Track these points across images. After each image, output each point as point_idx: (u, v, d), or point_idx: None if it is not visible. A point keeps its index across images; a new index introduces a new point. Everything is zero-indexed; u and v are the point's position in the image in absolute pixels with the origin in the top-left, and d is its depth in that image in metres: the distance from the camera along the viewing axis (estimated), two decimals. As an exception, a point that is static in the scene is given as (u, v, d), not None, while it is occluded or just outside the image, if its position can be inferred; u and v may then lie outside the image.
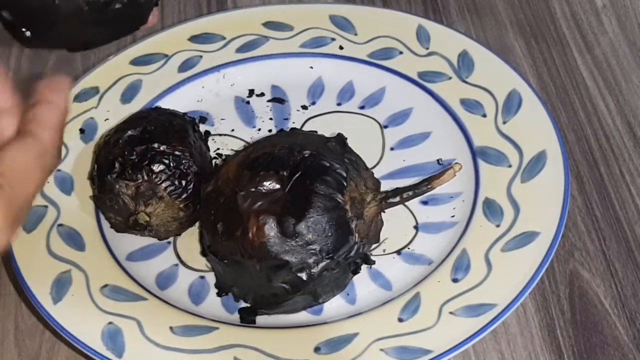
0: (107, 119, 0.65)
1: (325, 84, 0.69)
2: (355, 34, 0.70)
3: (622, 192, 0.64)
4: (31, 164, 0.46)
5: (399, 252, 0.59)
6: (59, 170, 0.62)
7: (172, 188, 0.57)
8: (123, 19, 0.47)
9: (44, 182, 0.47)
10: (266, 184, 0.53)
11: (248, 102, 0.68)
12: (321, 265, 0.53)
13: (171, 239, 0.61)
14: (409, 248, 0.59)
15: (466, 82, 0.67)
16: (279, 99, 0.68)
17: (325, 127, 0.64)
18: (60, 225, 0.59)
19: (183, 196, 0.58)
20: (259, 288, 0.54)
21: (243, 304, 0.57)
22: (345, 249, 0.53)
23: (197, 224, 0.60)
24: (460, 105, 0.66)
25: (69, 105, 0.49)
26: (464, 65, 0.68)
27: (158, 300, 0.56)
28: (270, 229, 0.52)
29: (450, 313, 0.54)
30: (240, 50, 0.70)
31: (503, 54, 0.70)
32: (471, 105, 0.65)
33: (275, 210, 0.52)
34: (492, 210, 0.59)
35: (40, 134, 0.47)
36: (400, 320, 0.54)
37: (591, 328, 0.57)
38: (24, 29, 0.46)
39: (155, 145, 0.58)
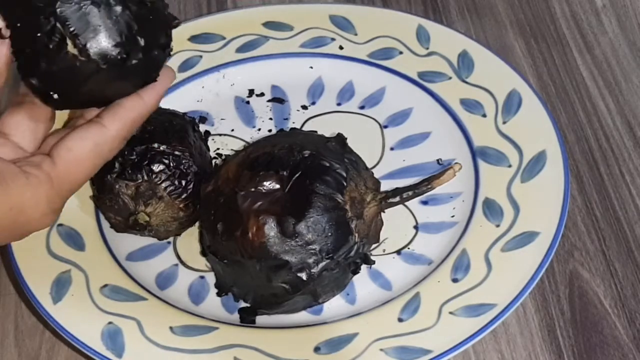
0: (107, 119, 0.65)
1: (325, 84, 0.69)
2: (355, 34, 0.70)
3: (622, 192, 0.64)
4: (87, 153, 0.47)
5: (399, 252, 0.59)
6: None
7: (172, 188, 0.57)
8: (140, 72, 0.48)
9: (97, 170, 0.48)
10: (266, 184, 0.53)
11: (248, 102, 0.68)
12: (321, 265, 0.53)
13: (171, 239, 0.61)
14: (408, 248, 0.59)
15: (466, 82, 0.67)
16: (279, 99, 0.68)
17: (325, 127, 0.64)
18: (60, 225, 0.59)
19: (183, 196, 0.58)
20: (259, 288, 0.54)
21: (243, 304, 0.57)
22: (345, 249, 0.53)
23: (197, 224, 0.60)
24: (460, 105, 0.66)
25: (157, 104, 0.50)
26: (464, 65, 0.67)
27: (158, 300, 0.56)
28: (270, 229, 0.52)
29: (450, 313, 0.54)
30: (240, 50, 0.70)
31: (503, 54, 0.70)
32: (471, 105, 0.65)
33: (275, 210, 0.52)
34: (492, 210, 0.59)
35: (108, 124, 0.48)
36: (400, 320, 0.54)
37: (591, 328, 0.57)
38: (51, 93, 0.47)
39: (155, 145, 0.58)
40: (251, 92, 0.69)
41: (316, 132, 0.60)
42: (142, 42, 0.47)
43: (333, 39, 0.70)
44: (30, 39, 0.46)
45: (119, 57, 0.46)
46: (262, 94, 0.69)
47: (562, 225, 0.57)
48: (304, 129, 0.66)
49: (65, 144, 0.47)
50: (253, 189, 0.53)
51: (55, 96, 0.47)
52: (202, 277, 0.58)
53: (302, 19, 0.71)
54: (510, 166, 0.61)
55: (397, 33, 0.70)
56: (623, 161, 0.65)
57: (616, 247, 0.61)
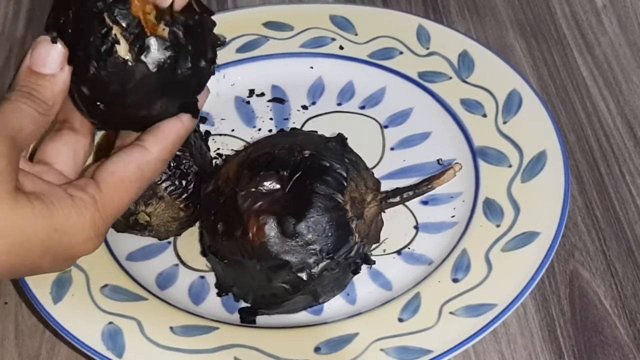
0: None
1: (326, 84, 0.69)
2: (356, 34, 0.70)
3: (622, 192, 0.64)
4: (130, 176, 0.47)
5: (399, 252, 0.59)
6: None
7: (172, 188, 0.57)
8: (187, 85, 0.48)
9: (141, 193, 0.48)
10: (266, 184, 0.53)
11: (248, 102, 0.69)
12: (321, 265, 0.53)
13: (171, 239, 0.61)
14: (409, 248, 0.59)
15: (466, 82, 0.67)
16: (279, 99, 0.68)
17: (326, 127, 0.64)
18: (60, 225, 0.59)
19: (183, 196, 0.58)
20: (259, 288, 0.54)
21: (243, 304, 0.57)
22: (345, 249, 0.53)
23: (197, 224, 0.60)
24: (461, 105, 0.66)
25: (195, 124, 0.50)
26: (464, 65, 0.68)
27: (158, 300, 0.56)
28: (271, 229, 0.52)
29: (451, 313, 0.54)
30: (240, 50, 0.70)
31: (503, 54, 0.71)
32: (471, 105, 0.65)
33: (275, 210, 0.52)
34: (492, 210, 0.59)
35: (149, 147, 0.48)
36: (400, 320, 0.54)
37: (591, 328, 0.57)
38: (98, 103, 0.47)
39: (156, 145, 0.58)
40: (251, 92, 0.69)
41: (316, 132, 0.60)
42: (190, 51, 0.47)
43: (333, 39, 0.70)
44: (83, 44, 0.46)
45: (168, 61, 0.46)
46: (262, 94, 0.69)
47: (562, 225, 0.57)
48: (304, 129, 0.66)
49: (108, 168, 0.46)
50: (253, 189, 0.53)
51: (102, 106, 0.47)
52: (202, 277, 0.58)
53: (302, 19, 0.71)
54: (510, 166, 0.61)
55: (398, 33, 0.70)
56: (623, 161, 0.65)
57: (616, 247, 0.61)
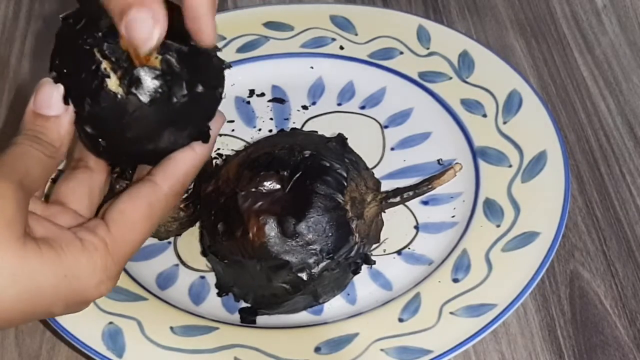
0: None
1: (326, 84, 0.69)
2: (356, 34, 0.70)
3: (622, 192, 0.64)
4: (140, 214, 0.46)
5: (399, 252, 0.59)
6: (59, 170, 0.62)
7: (172, 188, 0.57)
8: (188, 116, 0.47)
9: (154, 230, 0.47)
10: (266, 184, 0.53)
11: (248, 102, 0.68)
12: (321, 265, 0.53)
13: (171, 239, 0.61)
14: (409, 248, 0.59)
15: (466, 82, 0.67)
16: (279, 99, 0.68)
17: (326, 127, 0.64)
18: (60, 225, 0.59)
19: (183, 196, 0.58)
20: (259, 288, 0.54)
21: (243, 304, 0.57)
22: (345, 249, 0.53)
23: (197, 224, 0.60)
24: (461, 105, 0.66)
25: (210, 152, 0.49)
26: (464, 65, 0.68)
27: (158, 300, 0.56)
28: (271, 229, 0.52)
29: (451, 313, 0.54)
30: (240, 50, 0.70)
31: (503, 54, 0.71)
32: (471, 105, 0.65)
33: (275, 211, 0.52)
34: (492, 210, 0.59)
35: (160, 182, 0.47)
36: (400, 320, 0.54)
37: (591, 328, 0.57)
38: (99, 139, 0.47)
39: (156, 145, 0.57)
40: (252, 92, 0.69)
41: (316, 132, 0.60)
42: (185, 77, 0.46)
43: (333, 39, 0.70)
44: (77, 82, 0.46)
45: (160, 90, 0.45)
46: (262, 94, 0.69)
47: (562, 225, 0.57)
48: (304, 129, 0.66)
49: (117, 207, 0.46)
50: (253, 189, 0.53)
51: (104, 143, 0.47)
52: (202, 277, 0.58)
53: (302, 19, 0.71)
54: (510, 166, 0.61)
55: (398, 33, 0.70)
56: (624, 161, 0.65)
57: (617, 247, 0.61)
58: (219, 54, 0.49)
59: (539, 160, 0.61)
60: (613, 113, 0.69)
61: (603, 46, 0.74)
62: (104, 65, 0.45)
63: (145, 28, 0.43)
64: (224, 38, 0.70)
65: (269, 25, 0.71)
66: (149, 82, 0.45)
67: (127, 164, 0.52)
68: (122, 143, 0.47)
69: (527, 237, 0.57)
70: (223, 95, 0.49)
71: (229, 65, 0.50)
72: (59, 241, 0.43)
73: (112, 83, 0.45)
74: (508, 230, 0.58)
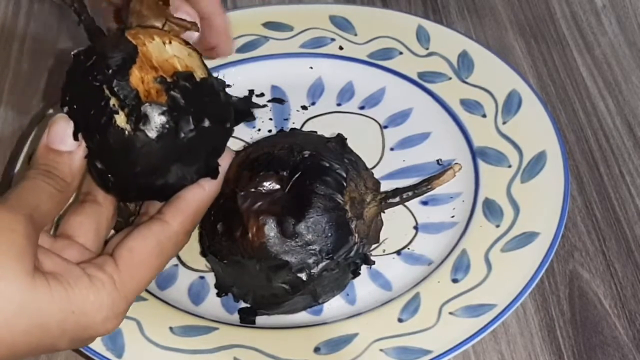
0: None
1: (325, 84, 0.69)
2: (355, 34, 0.70)
3: (622, 193, 0.64)
4: (149, 252, 0.46)
5: (398, 252, 0.59)
6: None
7: (172, 188, 0.57)
8: (196, 151, 0.48)
9: (163, 268, 0.48)
10: (266, 184, 0.53)
11: (248, 103, 0.69)
12: (321, 265, 0.53)
13: (171, 239, 0.61)
14: (408, 248, 0.59)
15: (466, 83, 0.67)
16: (278, 99, 0.68)
17: (325, 128, 0.64)
18: (60, 225, 0.59)
19: (183, 196, 0.57)
20: (259, 288, 0.54)
21: (243, 304, 0.57)
22: (345, 249, 0.53)
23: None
24: (460, 105, 0.66)
25: (219, 188, 0.50)
26: (463, 65, 0.68)
27: (158, 300, 0.56)
28: (270, 229, 0.52)
29: (450, 313, 0.54)
30: (240, 50, 0.70)
31: (503, 54, 0.71)
32: (471, 106, 0.65)
33: (275, 211, 0.52)
34: (492, 210, 0.59)
35: (170, 220, 0.47)
36: (400, 320, 0.54)
37: (591, 328, 0.57)
38: (109, 175, 0.47)
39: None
40: (251, 93, 0.69)
41: (316, 132, 0.60)
42: (192, 112, 0.47)
43: (333, 39, 0.70)
44: (87, 118, 0.46)
45: (167, 126, 0.46)
46: (262, 94, 0.69)
47: (562, 225, 0.57)
48: (304, 129, 0.66)
49: (127, 244, 0.46)
50: (253, 189, 0.53)
51: (112, 179, 0.47)
52: (202, 277, 0.58)
53: (302, 19, 0.71)
54: (510, 166, 0.61)
55: (397, 33, 0.70)
56: (623, 161, 0.65)
57: (616, 248, 0.61)
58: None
59: (539, 161, 0.61)
60: (612, 113, 0.69)
61: (602, 46, 0.74)
62: (113, 101, 0.46)
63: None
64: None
65: (269, 25, 0.71)
66: (156, 118, 0.46)
67: (135, 200, 0.52)
68: (130, 178, 0.47)
69: (527, 238, 0.57)
70: (232, 131, 0.50)
71: (253, 124, 0.51)
72: (68, 277, 0.43)
73: (120, 119, 0.46)
74: (507, 230, 0.58)
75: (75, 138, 0.47)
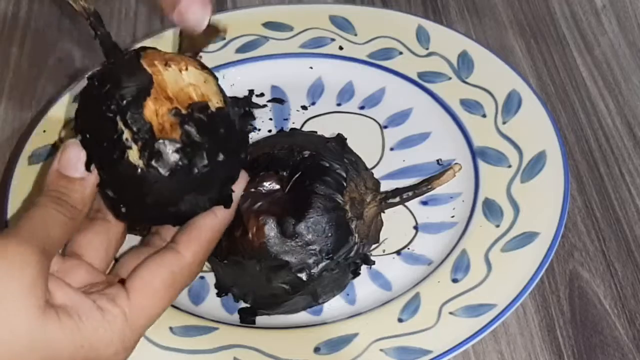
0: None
1: (325, 84, 0.69)
2: (355, 34, 0.70)
3: (622, 193, 0.64)
4: (162, 284, 0.46)
5: (398, 252, 0.59)
6: None
7: (172, 189, 0.57)
8: (209, 184, 0.47)
9: (175, 299, 0.47)
10: (266, 184, 0.53)
11: (248, 103, 0.69)
12: (321, 265, 0.53)
13: (171, 239, 0.61)
14: (408, 248, 0.59)
15: (466, 83, 0.67)
16: (278, 99, 0.68)
17: (325, 128, 0.64)
18: (60, 225, 0.59)
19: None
20: (259, 288, 0.54)
21: (243, 305, 0.57)
22: (345, 249, 0.53)
23: (196, 224, 0.60)
24: (460, 105, 0.66)
25: (232, 216, 0.49)
26: (463, 65, 0.68)
27: (158, 300, 0.56)
28: (270, 230, 0.52)
29: (450, 313, 0.54)
30: (240, 50, 0.70)
31: (503, 55, 0.70)
32: (471, 106, 0.65)
33: (275, 211, 0.52)
34: (491, 210, 0.59)
35: (183, 250, 0.47)
36: (400, 320, 0.54)
37: (591, 328, 0.57)
38: (121, 205, 0.47)
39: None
40: (251, 93, 0.69)
41: (316, 132, 0.60)
42: (206, 147, 0.46)
43: (333, 39, 0.70)
44: (99, 148, 0.46)
45: (180, 163, 0.45)
46: (261, 94, 0.69)
47: (562, 225, 0.57)
48: (303, 129, 0.66)
49: (140, 275, 0.46)
50: (253, 190, 0.53)
51: (124, 209, 0.47)
52: (202, 277, 0.58)
53: (302, 19, 0.71)
54: (510, 166, 0.61)
55: (397, 33, 0.70)
56: (623, 161, 0.65)
57: (616, 248, 0.61)
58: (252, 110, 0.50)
59: (539, 161, 0.61)
60: (612, 113, 0.69)
61: (602, 46, 0.74)
62: (126, 135, 0.45)
63: (197, 14, 0.48)
64: (224, 38, 0.70)
65: (269, 25, 0.71)
66: (169, 156, 0.45)
67: (147, 225, 0.52)
68: (142, 209, 0.47)
69: (527, 237, 0.57)
70: (247, 160, 0.49)
71: (254, 127, 0.51)
72: (79, 310, 0.43)
73: (133, 154, 0.45)
74: (507, 230, 0.58)
75: (88, 169, 0.46)
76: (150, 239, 0.51)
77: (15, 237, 0.42)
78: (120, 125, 0.45)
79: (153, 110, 0.45)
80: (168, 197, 0.46)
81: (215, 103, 0.47)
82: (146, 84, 0.46)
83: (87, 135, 0.46)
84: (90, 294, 0.45)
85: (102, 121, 0.45)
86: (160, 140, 0.45)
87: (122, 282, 0.46)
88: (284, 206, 0.53)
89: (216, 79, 0.49)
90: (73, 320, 0.43)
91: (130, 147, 0.45)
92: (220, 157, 0.47)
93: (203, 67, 0.49)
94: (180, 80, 0.47)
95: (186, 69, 0.47)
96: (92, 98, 0.46)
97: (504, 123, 0.64)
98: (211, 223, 0.48)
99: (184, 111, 0.46)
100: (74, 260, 0.47)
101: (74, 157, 0.46)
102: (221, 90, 0.49)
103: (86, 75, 0.47)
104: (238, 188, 0.49)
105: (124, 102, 0.45)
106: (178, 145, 0.45)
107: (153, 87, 0.46)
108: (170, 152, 0.45)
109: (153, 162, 0.45)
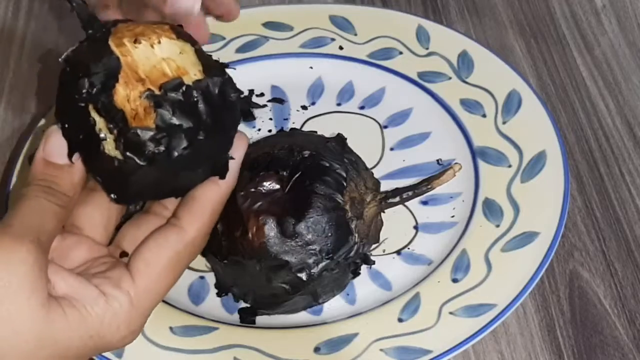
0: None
1: (325, 84, 0.69)
2: (355, 34, 0.70)
3: (621, 192, 0.64)
4: (166, 264, 0.45)
5: (398, 252, 0.59)
6: None
7: (172, 188, 0.57)
8: (196, 162, 0.45)
9: (179, 277, 0.47)
10: (266, 184, 0.53)
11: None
12: (321, 265, 0.53)
13: (171, 239, 0.60)
14: (408, 248, 0.59)
15: (466, 82, 0.67)
16: (278, 99, 0.68)
17: (325, 127, 0.64)
18: (60, 225, 0.59)
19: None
20: (259, 288, 0.54)
21: (243, 304, 0.57)
22: (345, 249, 0.53)
23: (196, 224, 0.60)
24: (460, 105, 0.66)
25: (234, 183, 0.48)
26: (463, 65, 0.68)
27: (158, 300, 0.56)
28: (270, 229, 0.52)
29: (450, 313, 0.54)
30: (240, 50, 0.70)
31: (503, 54, 0.71)
32: (471, 106, 0.65)
33: (275, 211, 0.52)
34: (491, 210, 0.59)
35: (187, 227, 0.46)
36: (400, 320, 0.54)
37: (591, 328, 0.57)
38: (111, 194, 0.46)
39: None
40: (251, 93, 0.69)
41: (316, 132, 0.60)
42: (184, 129, 0.43)
43: (333, 39, 0.70)
44: (75, 138, 0.44)
45: (156, 150, 0.43)
46: (262, 94, 0.69)
47: (562, 225, 0.57)
48: (303, 129, 0.66)
49: (143, 257, 0.45)
50: (253, 189, 0.53)
51: (113, 196, 0.45)
52: (202, 277, 0.58)
53: (302, 19, 0.71)
54: (510, 166, 0.61)
55: (397, 33, 0.70)
56: (623, 161, 0.65)
57: (616, 247, 0.61)
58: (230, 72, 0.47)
59: (539, 161, 0.61)
60: (612, 113, 0.69)
61: (602, 46, 0.74)
62: (99, 125, 0.43)
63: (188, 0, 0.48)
64: (224, 38, 0.70)
65: (269, 25, 0.71)
66: (145, 145, 0.43)
67: (144, 200, 0.51)
68: (132, 194, 0.46)
69: (527, 237, 0.57)
70: (237, 122, 0.47)
71: (241, 92, 0.48)
72: (83, 300, 0.42)
73: (109, 146, 0.43)
74: (507, 230, 0.58)
75: (70, 159, 0.45)
76: (151, 205, 0.50)
77: (9, 233, 0.41)
78: (93, 114, 0.43)
79: (124, 95, 0.43)
80: (153, 182, 0.45)
81: (192, 75, 0.45)
82: (114, 69, 0.43)
83: (66, 125, 0.44)
84: (94, 278, 0.44)
85: (75, 111, 0.43)
86: (133, 130, 0.42)
87: (124, 254, 0.46)
88: (284, 206, 0.53)
89: (195, 45, 0.46)
90: (78, 311, 0.42)
91: (105, 139, 0.43)
92: (201, 135, 0.44)
93: (179, 34, 0.46)
94: (152, 57, 0.44)
95: (159, 42, 0.44)
96: (64, 85, 0.44)
97: (504, 123, 0.64)
98: (213, 195, 0.47)
99: (156, 92, 0.43)
100: (74, 236, 0.46)
101: (59, 143, 0.45)
102: (201, 57, 0.46)
103: (60, 59, 0.45)
104: (237, 153, 0.48)
105: (94, 90, 0.43)
106: (151, 133, 0.43)
107: (121, 70, 0.43)
108: (146, 141, 0.43)
109: (129, 153, 0.43)
